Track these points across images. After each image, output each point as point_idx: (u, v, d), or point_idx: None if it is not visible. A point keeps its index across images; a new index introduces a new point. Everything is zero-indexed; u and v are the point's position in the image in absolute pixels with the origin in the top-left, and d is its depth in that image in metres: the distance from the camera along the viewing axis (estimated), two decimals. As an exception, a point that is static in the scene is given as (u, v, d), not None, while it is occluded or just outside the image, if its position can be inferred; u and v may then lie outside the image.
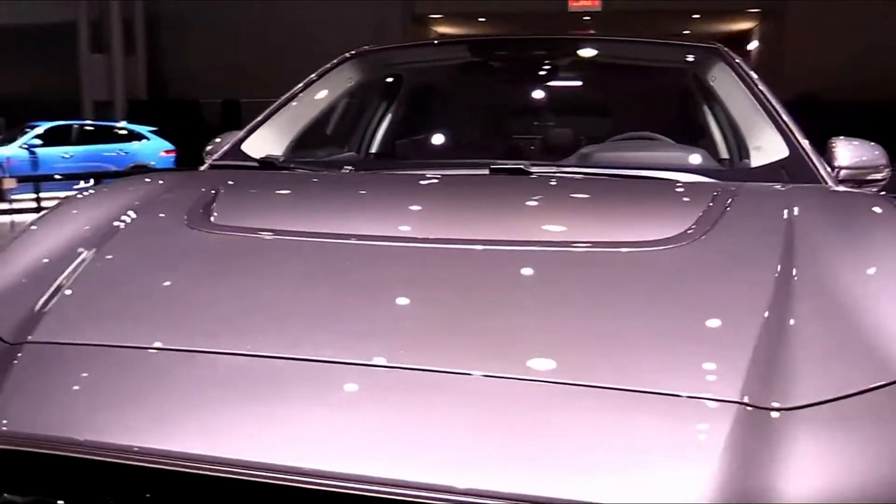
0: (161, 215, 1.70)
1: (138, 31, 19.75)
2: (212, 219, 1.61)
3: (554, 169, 1.98)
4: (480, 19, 21.73)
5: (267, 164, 2.14)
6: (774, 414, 0.96)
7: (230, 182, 1.93)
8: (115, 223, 1.61)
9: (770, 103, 2.15)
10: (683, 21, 20.27)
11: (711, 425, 0.95)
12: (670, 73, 2.88)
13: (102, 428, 1.03)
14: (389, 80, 3.02)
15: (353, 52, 2.66)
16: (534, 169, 1.93)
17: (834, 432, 0.96)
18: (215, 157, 2.28)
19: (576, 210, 1.73)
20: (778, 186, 1.80)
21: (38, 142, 12.65)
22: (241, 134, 2.36)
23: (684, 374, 1.04)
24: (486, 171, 1.92)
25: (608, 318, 1.19)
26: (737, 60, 2.38)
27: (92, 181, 10.50)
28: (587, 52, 2.76)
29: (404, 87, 3.03)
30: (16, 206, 9.84)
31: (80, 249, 1.50)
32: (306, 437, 0.98)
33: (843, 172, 2.01)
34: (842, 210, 1.61)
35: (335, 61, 2.62)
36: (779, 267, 1.28)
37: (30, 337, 1.22)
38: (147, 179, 1.99)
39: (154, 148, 11.45)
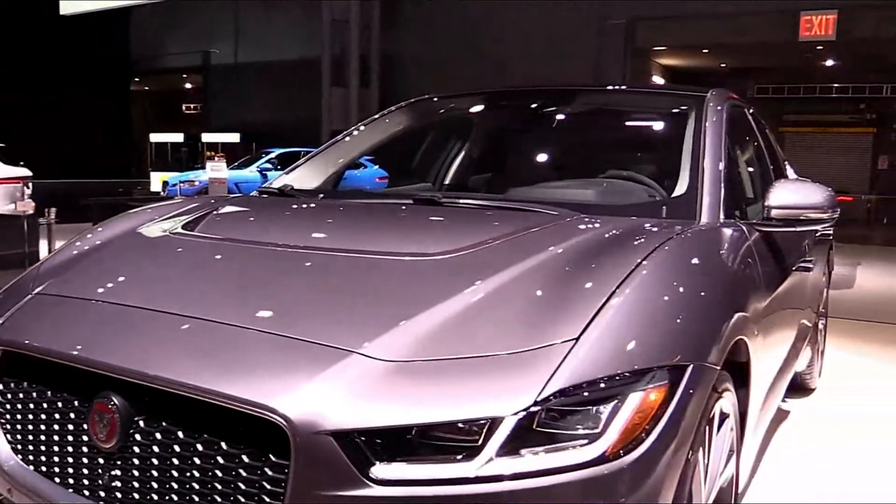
0: (161, 224, 2.32)
1: (373, 66, 21.44)
2: (194, 229, 2.21)
3: (464, 199, 2.42)
4: (704, 51, 21.05)
5: (279, 192, 2.78)
6: (382, 363, 1.40)
7: (230, 205, 2.53)
8: (134, 229, 2.33)
9: (703, 148, 2.37)
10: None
11: (341, 364, 1.40)
12: (661, 118, 3.08)
13: (56, 341, 1.70)
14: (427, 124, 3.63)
15: (404, 102, 3.10)
16: (444, 200, 2.42)
17: (416, 378, 1.38)
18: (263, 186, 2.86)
19: (417, 230, 2.22)
20: (618, 220, 2.09)
21: (271, 166, 14.37)
22: (298, 164, 3.03)
23: (345, 334, 1.49)
24: (411, 201, 2.46)
25: (336, 298, 1.66)
26: (710, 106, 2.62)
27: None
28: (581, 102, 3.02)
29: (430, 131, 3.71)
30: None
31: (98, 241, 2.27)
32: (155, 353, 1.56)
33: (772, 212, 2.33)
34: (625, 242, 1.85)
35: (391, 108, 3.06)
36: (489, 271, 1.66)
37: (38, 291, 1.95)
38: (178, 201, 2.54)
39: (370, 175, 12.57)
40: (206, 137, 24.61)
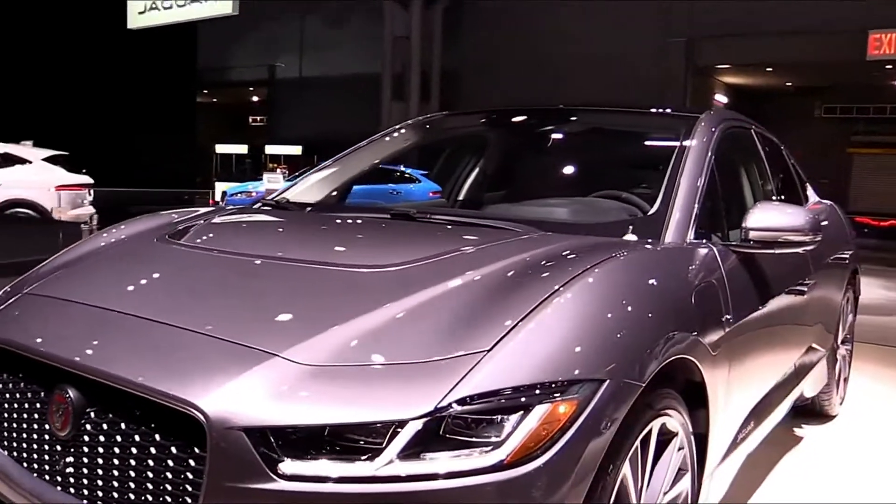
0: (151, 233, 2.45)
1: (434, 80, 21.69)
2: (179, 238, 2.32)
3: (438, 216, 2.49)
4: (768, 69, 20.65)
5: (274, 203, 2.92)
6: (300, 366, 1.48)
7: (221, 215, 2.60)
8: (131, 235, 2.47)
9: (683, 169, 2.38)
10: None
11: (262, 366, 1.49)
12: (654, 139, 3.09)
13: (25, 336, 1.85)
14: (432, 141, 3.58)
15: (410, 121, 3.26)
16: (417, 216, 2.47)
17: (330, 381, 1.46)
18: (266, 198, 3.00)
19: (377, 244, 2.30)
20: (579, 238, 2.15)
21: (326, 178, 14.61)
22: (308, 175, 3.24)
23: (272, 338, 1.58)
24: (389, 216, 2.53)
25: (277, 305, 1.75)
26: (701, 127, 2.63)
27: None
28: (578, 122, 3.04)
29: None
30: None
31: (93, 245, 2.43)
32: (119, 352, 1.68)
33: (751, 233, 2.35)
34: (565, 260, 1.90)
35: (398, 126, 3.21)
36: (427, 284, 1.74)
37: (25, 290, 2.10)
38: (178, 212, 2.71)
39: (423, 189, 12.80)
40: (270, 149, 25.26)
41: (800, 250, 2.52)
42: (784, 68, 20.04)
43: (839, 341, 4.09)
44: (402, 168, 16.20)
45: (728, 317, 2.21)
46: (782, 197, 3.57)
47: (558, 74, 18.75)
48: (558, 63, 19.17)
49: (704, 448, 2.16)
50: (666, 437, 1.91)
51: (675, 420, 1.90)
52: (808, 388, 3.54)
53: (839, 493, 3.26)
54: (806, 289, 3.01)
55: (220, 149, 26.61)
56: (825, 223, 4.04)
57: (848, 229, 4.35)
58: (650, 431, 1.78)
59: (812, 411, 4.15)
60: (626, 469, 1.66)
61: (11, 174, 10.16)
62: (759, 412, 2.72)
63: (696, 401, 2.08)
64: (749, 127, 3.36)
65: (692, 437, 2.02)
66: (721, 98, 21.82)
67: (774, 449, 3.68)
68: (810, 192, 4.18)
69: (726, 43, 18.86)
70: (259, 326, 1.64)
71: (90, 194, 10.41)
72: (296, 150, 24.75)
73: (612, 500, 1.60)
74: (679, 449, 1.96)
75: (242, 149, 26.24)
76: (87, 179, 10.66)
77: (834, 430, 4.14)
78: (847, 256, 3.98)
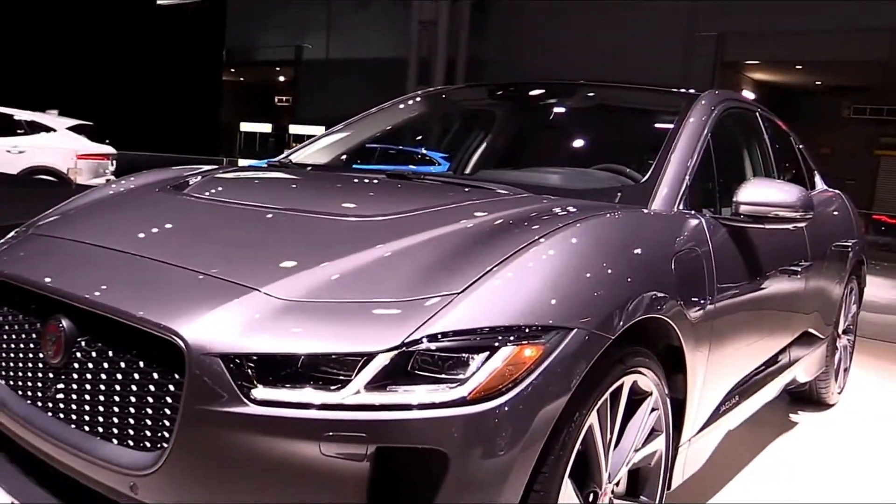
0: (157, 184, 2.53)
1: (459, 68, 21.67)
2: (182, 189, 2.40)
3: (430, 178, 2.63)
4: (798, 67, 20.40)
5: (277, 164, 3.00)
6: (278, 300, 1.55)
7: (226, 172, 2.60)
8: (137, 186, 2.56)
9: (677, 143, 2.42)
10: None
11: (242, 299, 1.56)
12: (654, 115, 3.12)
13: (22, 269, 1.95)
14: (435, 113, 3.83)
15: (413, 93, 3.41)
16: (412, 176, 2.61)
17: (305, 315, 1.52)
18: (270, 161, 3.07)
19: (368, 198, 2.37)
20: (565, 202, 2.17)
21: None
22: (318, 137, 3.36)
23: (255, 275, 1.64)
24: (384, 176, 2.62)
25: (263, 246, 1.84)
26: (699, 105, 2.69)
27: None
28: (580, 97, 3.10)
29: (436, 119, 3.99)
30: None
31: (98, 196, 2.50)
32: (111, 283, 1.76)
33: (742, 207, 2.42)
34: (547, 216, 1.95)
35: (403, 97, 3.31)
36: (409, 232, 1.80)
37: (31, 231, 2.20)
38: (186, 168, 2.77)
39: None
40: (294, 129, 25.40)
41: (791, 227, 2.55)
42: (814, 66, 19.76)
43: (840, 331, 4.10)
44: (423, 150, 16.23)
45: (713, 287, 2.24)
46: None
47: (584, 66, 18.64)
48: (584, 55, 19.06)
49: (682, 414, 2.20)
50: (640, 396, 1.95)
51: (649, 380, 1.94)
52: (803, 373, 3.56)
53: (826, 478, 3.28)
54: (800, 270, 3.03)
55: (245, 127, 26.81)
56: (835, 213, 4.05)
57: (855, 220, 4.34)
58: (621, 387, 1.82)
59: (810, 399, 4.17)
60: (593, 419, 1.71)
61: (36, 141, 10.33)
62: (744, 388, 2.75)
63: (677, 367, 2.13)
64: (754, 110, 3.37)
65: (667, 401, 2.06)
66: (748, 94, 21.61)
67: (767, 431, 3.71)
68: (818, 180, 4.18)
69: (756, 39, 18.67)
70: (244, 265, 1.71)
71: (112, 164, 10.56)
72: (320, 130, 24.79)
73: (577, 447, 1.65)
74: (653, 410, 2.01)
75: (267, 128, 26.40)
76: (110, 149, 10.81)
77: (830, 418, 4.16)
78: (850, 246, 3.98)
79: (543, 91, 3.40)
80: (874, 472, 3.38)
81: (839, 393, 4.35)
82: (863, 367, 5.15)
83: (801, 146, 4.02)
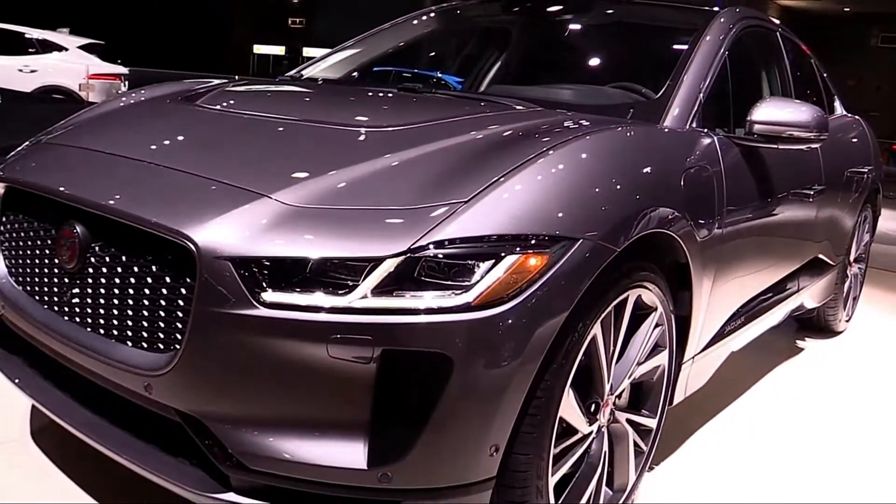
0: (169, 96, 2.52)
1: None
2: (195, 100, 2.39)
3: (442, 92, 2.64)
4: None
5: (288, 79, 2.99)
6: (287, 206, 1.56)
7: (238, 85, 2.69)
8: (150, 97, 2.55)
9: (692, 61, 2.40)
10: None
11: (251, 205, 1.57)
12: (671, 33, 3.06)
13: (35, 176, 1.98)
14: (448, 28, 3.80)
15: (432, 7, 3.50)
16: (424, 90, 2.58)
17: (313, 221, 1.53)
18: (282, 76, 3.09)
19: (379, 109, 2.39)
20: (577, 116, 2.16)
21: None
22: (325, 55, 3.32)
23: (265, 181, 1.64)
24: (396, 90, 2.61)
25: (275, 155, 1.85)
26: (717, 23, 2.64)
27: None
28: (596, 12, 3.06)
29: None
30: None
31: (110, 108, 2.50)
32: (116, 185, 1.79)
33: (755, 126, 2.40)
34: (557, 128, 1.97)
35: (416, 13, 3.25)
36: (419, 142, 1.80)
37: (45, 140, 2.19)
38: (197, 81, 2.78)
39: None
40: (307, 52, 25.05)
41: (805, 147, 2.51)
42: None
43: (851, 258, 4.09)
44: (439, 74, 16.00)
45: (722, 205, 2.24)
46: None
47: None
48: None
49: (687, 332, 2.22)
50: (644, 311, 1.97)
51: (654, 295, 1.96)
52: (811, 299, 3.57)
53: (825, 405, 3.33)
54: (813, 194, 3.01)
55: (258, 49, 26.46)
56: (853, 139, 3.99)
57: (874, 148, 4.28)
58: (625, 300, 1.84)
59: (818, 326, 4.19)
60: (597, 330, 1.74)
61: (48, 60, 10.26)
62: (750, 310, 2.77)
63: (683, 285, 2.14)
64: (775, 30, 3.29)
65: (672, 317, 2.09)
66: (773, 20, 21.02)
67: (774, 356, 3.76)
68: (838, 105, 4.11)
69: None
70: (255, 172, 1.72)
71: (124, 84, 10.49)
72: (333, 54, 24.50)
73: (580, 357, 1.68)
74: (658, 326, 2.03)
75: (280, 50, 26.04)
76: (122, 69, 10.73)
77: (837, 346, 4.19)
78: (866, 172, 3.93)
79: (560, 6, 3.33)
80: (874, 402, 3.43)
81: (847, 321, 4.37)
82: (873, 299, 5.17)
83: (822, 71, 3.94)
